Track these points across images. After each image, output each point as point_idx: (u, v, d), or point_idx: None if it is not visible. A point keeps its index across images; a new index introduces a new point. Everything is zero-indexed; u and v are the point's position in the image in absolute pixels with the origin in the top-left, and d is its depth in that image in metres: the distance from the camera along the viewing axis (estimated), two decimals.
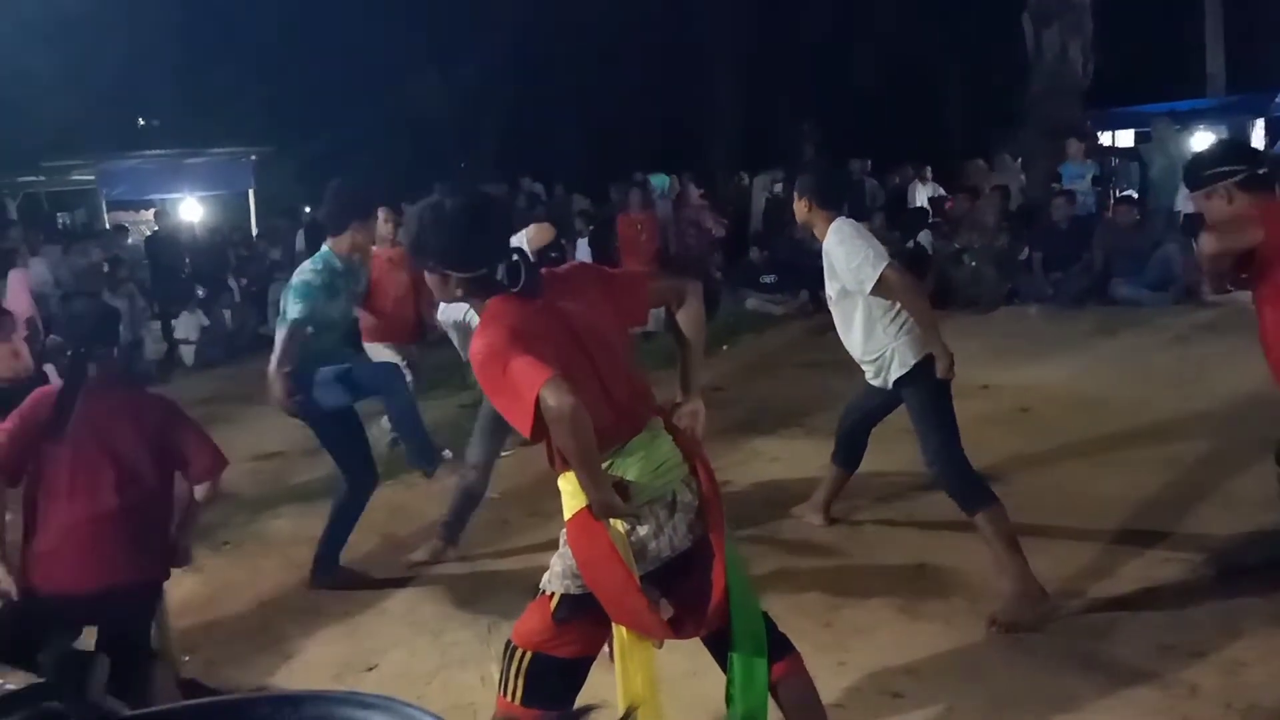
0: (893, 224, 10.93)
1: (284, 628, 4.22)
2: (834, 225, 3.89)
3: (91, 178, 15.36)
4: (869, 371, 4.04)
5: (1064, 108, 11.78)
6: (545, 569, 4.25)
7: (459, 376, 9.05)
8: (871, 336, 3.92)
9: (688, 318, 2.62)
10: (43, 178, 15.95)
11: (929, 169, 13.08)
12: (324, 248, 4.51)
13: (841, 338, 4.07)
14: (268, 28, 17.25)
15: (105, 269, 11.41)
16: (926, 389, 3.79)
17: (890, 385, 3.93)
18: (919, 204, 12.19)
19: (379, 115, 18.21)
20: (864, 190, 12.40)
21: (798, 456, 5.57)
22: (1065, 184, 10.69)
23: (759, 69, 19.37)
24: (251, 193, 16.26)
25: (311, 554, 4.62)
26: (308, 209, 15.02)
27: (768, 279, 10.88)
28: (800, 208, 4.03)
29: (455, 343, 4.93)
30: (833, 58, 19.36)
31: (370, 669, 3.80)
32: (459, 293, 2.42)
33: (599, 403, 2.34)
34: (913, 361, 3.84)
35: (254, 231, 15.16)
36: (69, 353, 3.20)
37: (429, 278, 2.47)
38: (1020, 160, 12.42)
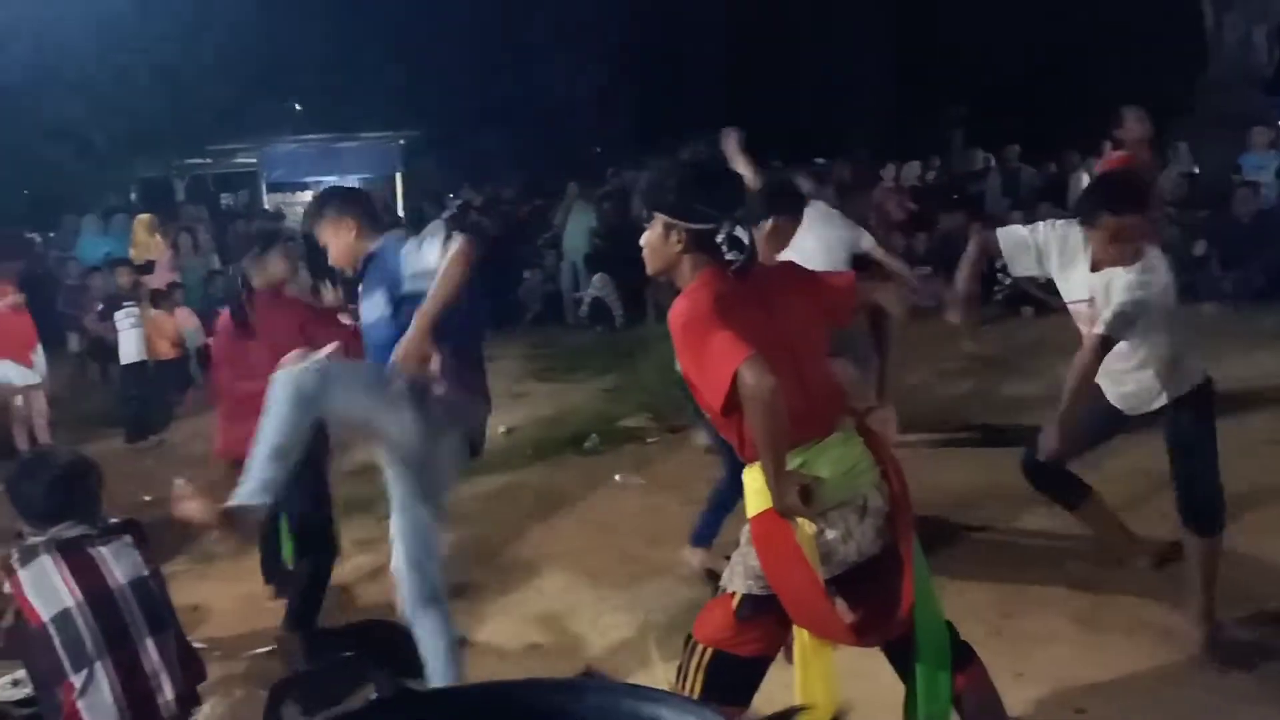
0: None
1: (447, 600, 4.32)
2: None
3: (253, 161, 16.10)
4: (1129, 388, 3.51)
5: (1246, 96, 11.09)
6: (701, 560, 4.33)
7: (599, 360, 9.23)
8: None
9: (888, 321, 2.58)
10: (209, 160, 16.78)
11: (1093, 158, 12.37)
12: None
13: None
14: (417, 12, 17.67)
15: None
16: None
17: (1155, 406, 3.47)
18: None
19: (520, 99, 18.49)
20: (1019, 179, 11.93)
21: (946, 460, 5.38)
22: (1246, 176, 10.04)
23: (905, 53, 18.87)
24: (399, 176, 16.77)
25: (467, 528, 4.70)
26: (451, 195, 15.40)
27: (921, 271, 10.58)
28: None
29: None
30: (984, 39, 18.64)
31: (533, 648, 3.86)
32: (678, 248, 2.40)
33: (796, 394, 2.31)
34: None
35: (400, 214, 15.61)
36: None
37: (649, 237, 2.46)
38: (1186, 148, 11.73)
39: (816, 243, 4.59)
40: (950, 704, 2.47)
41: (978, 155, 14.09)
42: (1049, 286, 3.60)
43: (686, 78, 20.47)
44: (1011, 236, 3.56)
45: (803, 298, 2.48)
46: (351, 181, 17.00)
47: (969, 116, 16.99)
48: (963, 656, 2.51)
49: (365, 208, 3.37)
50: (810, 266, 2.75)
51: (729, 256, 2.39)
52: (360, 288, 3.36)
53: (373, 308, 3.23)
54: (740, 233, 2.40)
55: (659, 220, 2.43)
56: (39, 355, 7.71)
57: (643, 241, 2.48)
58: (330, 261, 3.49)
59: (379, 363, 3.10)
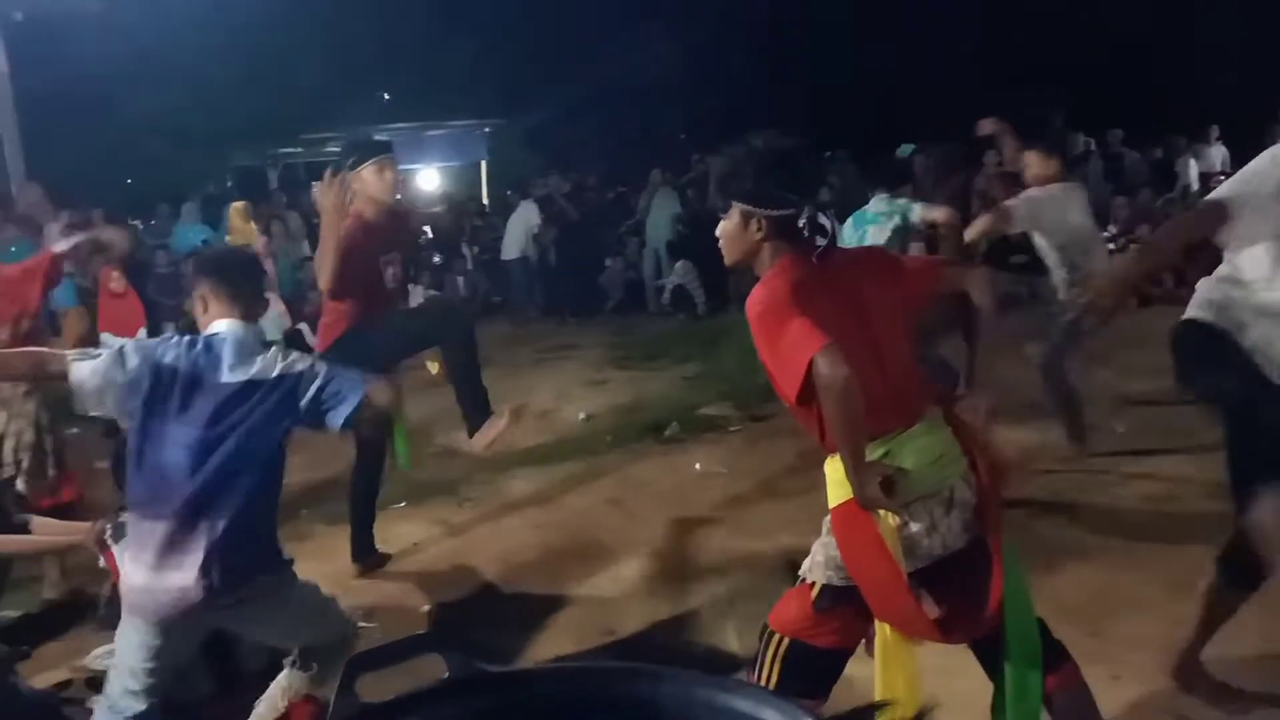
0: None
1: (526, 585, 4.35)
2: None
3: None
4: None
5: None
6: (781, 550, 4.28)
7: (680, 348, 9.20)
8: None
9: (977, 309, 2.48)
10: (300, 150, 17.18)
11: (1206, 146, 11.77)
12: None
13: None
14: (504, 2, 17.82)
15: None
16: None
17: None
18: (1188, 181, 11.14)
19: (606, 86, 18.51)
20: (1122, 164, 11.50)
21: (1053, 450, 5.21)
22: None
23: (994, 30, 18.31)
24: (484, 164, 16.95)
25: (546, 514, 4.73)
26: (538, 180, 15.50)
27: (1018, 259, 10.26)
28: None
29: None
30: (1082, 17, 17.97)
31: (609, 635, 3.85)
32: (758, 236, 2.35)
33: (877, 383, 2.25)
34: None
35: (485, 201, 15.79)
36: None
37: (726, 227, 2.41)
38: None
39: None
40: (1041, 705, 2.37)
41: (1078, 139, 13.63)
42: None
43: (771, 64, 20.28)
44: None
45: (886, 284, 2.41)
46: (438, 169, 17.35)
47: (1068, 98, 16.35)
48: (1055, 656, 2.41)
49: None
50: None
51: (812, 242, 2.33)
52: None
53: None
54: (822, 217, 2.34)
55: (736, 209, 2.38)
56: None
57: (719, 232, 2.44)
58: None
59: None
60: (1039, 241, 5.10)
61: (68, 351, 2.75)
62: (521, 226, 11.99)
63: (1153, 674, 3.10)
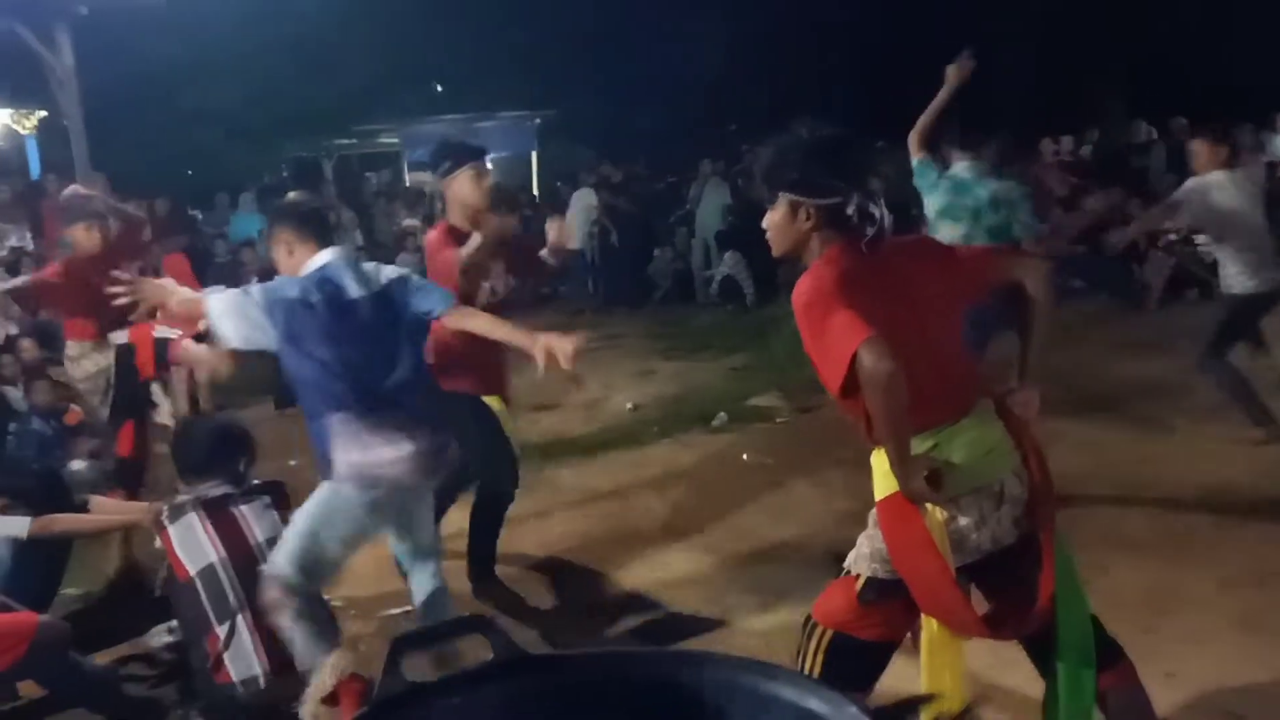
0: None
1: (571, 572, 4.39)
2: None
3: (396, 140, 16.59)
4: None
5: None
6: (826, 541, 4.25)
7: (728, 339, 9.17)
8: None
9: (1033, 300, 2.40)
10: (354, 140, 17.39)
11: (1273, 134, 11.43)
12: None
13: None
14: None
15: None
16: None
17: None
18: None
19: (655, 76, 18.45)
20: (1185, 153, 11.15)
21: (1108, 444, 5.12)
22: None
23: (1054, 18, 17.90)
24: (534, 155, 17.01)
25: (593, 502, 4.73)
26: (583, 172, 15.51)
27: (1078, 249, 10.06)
28: None
29: None
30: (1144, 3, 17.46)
31: (653, 623, 3.86)
32: (807, 225, 2.31)
33: (926, 375, 2.20)
34: None
35: (535, 193, 15.85)
36: None
37: (774, 218, 2.37)
38: None
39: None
40: (1093, 703, 2.32)
41: (1140, 127, 13.33)
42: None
43: (821, 54, 20.07)
44: None
45: (937, 274, 2.35)
46: (489, 160, 17.44)
47: (1129, 85, 15.95)
48: (1109, 654, 2.36)
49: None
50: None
51: (862, 231, 2.28)
52: None
53: None
54: (871, 204, 2.29)
55: (784, 199, 2.34)
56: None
57: (766, 223, 2.39)
58: None
59: None
60: (1206, 231, 5.01)
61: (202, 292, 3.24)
62: (582, 214, 11.91)
63: (1209, 672, 3.04)
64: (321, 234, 3.13)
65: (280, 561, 2.96)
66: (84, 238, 5.09)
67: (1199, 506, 4.36)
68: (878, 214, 2.30)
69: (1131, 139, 13.13)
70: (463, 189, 3.96)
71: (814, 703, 1.19)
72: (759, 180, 2.47)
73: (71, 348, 5.15)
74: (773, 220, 2.38)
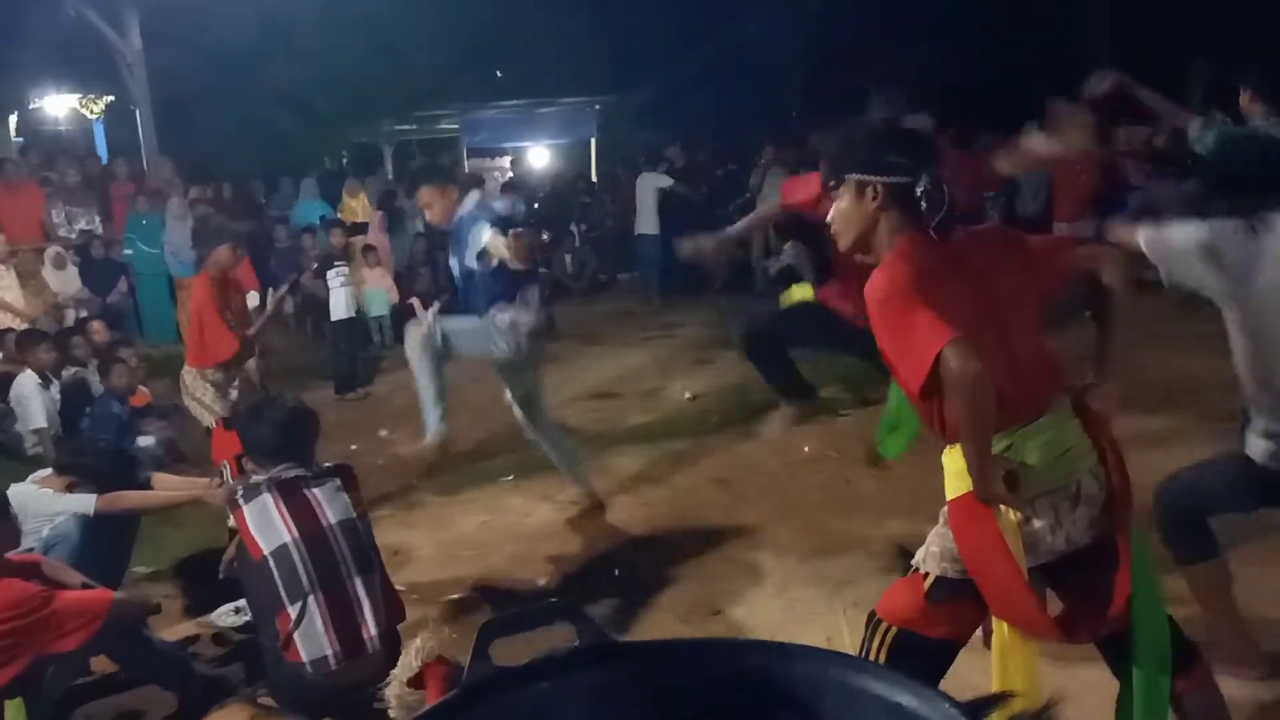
0: None
1: (631, 562, 4.39)
2: None
3: (456, 127, 16.68)
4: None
5: None
6: (890, 536, 4.21)
7: None
8: None
9: (1111, 291, 2.33)
10: (414, 126, 17.51)
11: None
12: None
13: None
14: None
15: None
16: None
17: None
18: None
19: (717, 63, 18.35)
20: None
21: (1186, 440, 4.98)
22: None
23: (1122, 4, 17.43)
24: (594, 141, 17.01)
25: (653, 492, 4.73)
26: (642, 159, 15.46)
27: None
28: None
29: None
30: None
31: (715, 614, 3.85)
32: (874, 205, 2.26)
33: (1004, 373, 2.14)
34: None
35: (593, 179, 15.85)
36: None
37: (839, 206, 2.32)
38: None
39: None
40: (1169, 706, 2.28)
41: (1215, 118, 12.91)
42: None
43: (883, 41, 19.77)
44: None
45: (1013, 266, 2.28)
46: (548, 146, 17.48)
47: (1207, 68, 15.40)
48: (1186, 657, 2.31)
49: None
50: None
51: (931, 215, 2.23)
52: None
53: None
54: (938, 187, 2.24)
55: (850, 182, 2.29)
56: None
57: (832, 215, 2.35)
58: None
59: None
60: None
61: None
62: (651, 196, 11.74)
63: None
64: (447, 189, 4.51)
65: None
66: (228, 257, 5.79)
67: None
68: (945, 199, 2.25)
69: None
70: None
71: (904, 697, 1.17)
72: (824, 167, 2.44)
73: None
74: (839, 208, 2.33)
